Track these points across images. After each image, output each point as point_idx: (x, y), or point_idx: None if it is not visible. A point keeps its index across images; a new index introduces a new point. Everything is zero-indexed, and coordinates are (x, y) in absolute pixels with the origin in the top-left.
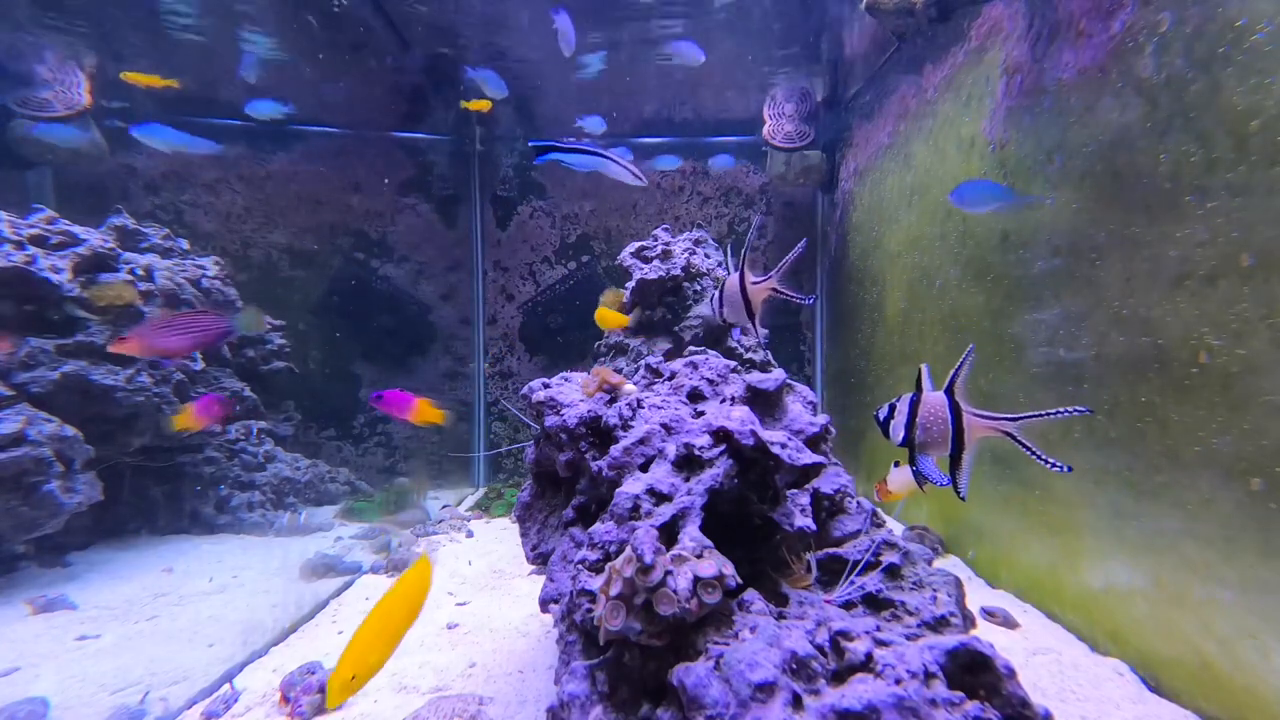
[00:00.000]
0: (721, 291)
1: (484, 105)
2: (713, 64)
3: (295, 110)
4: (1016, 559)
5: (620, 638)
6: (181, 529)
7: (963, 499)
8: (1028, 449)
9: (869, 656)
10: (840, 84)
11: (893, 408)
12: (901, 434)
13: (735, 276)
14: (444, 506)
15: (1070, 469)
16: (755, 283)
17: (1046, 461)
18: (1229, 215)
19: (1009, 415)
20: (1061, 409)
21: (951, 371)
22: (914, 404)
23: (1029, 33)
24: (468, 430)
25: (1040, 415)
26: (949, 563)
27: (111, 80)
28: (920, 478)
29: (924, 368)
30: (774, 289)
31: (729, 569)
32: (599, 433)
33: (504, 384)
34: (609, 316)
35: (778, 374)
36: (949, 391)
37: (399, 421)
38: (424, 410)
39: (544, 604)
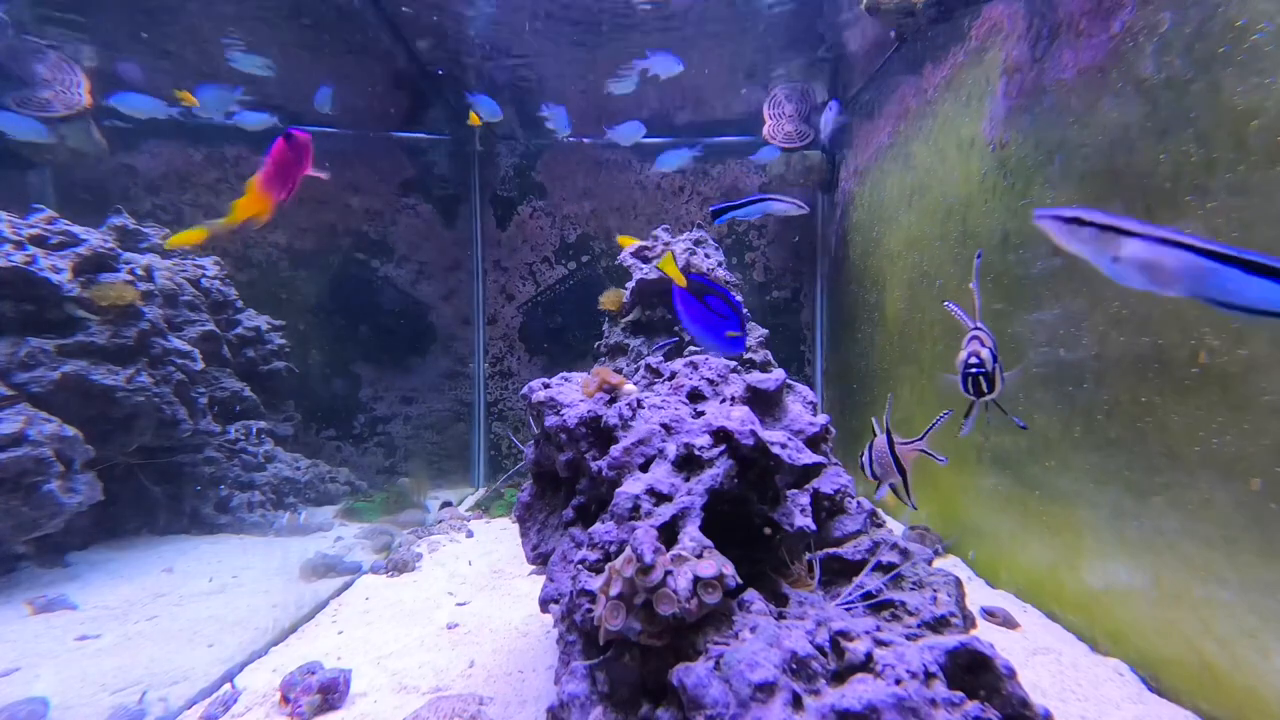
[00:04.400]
0: (871, 450)
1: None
2: (713, 64)
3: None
4: (1016, 559)
5: (620, 638)
6: (181, 529)
7: (913, 510)
8: (931, 455)
9: (869, 656)
10: (840, 84)
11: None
12: (869, 471)
13: (884, 438)
14: (444, 506)
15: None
16: (903, 444)
17: (937, 459)
18: (1229, 215)
19: (916, 438)
20: (938, 417)
21: (885, 419)
22: (872, 448)
23: (1029, 33)
24: (467, 430)
25: (927, 431)
26: (949, 563)
27: (111, 80)
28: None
29: (874, 420)
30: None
31: (729, 569)
32: (599, 433)
33: (504, 384)
34: (611, 298)
35: (778, 374)
36: (887, 433)
37: (402, 423)
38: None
39: (544, 604)
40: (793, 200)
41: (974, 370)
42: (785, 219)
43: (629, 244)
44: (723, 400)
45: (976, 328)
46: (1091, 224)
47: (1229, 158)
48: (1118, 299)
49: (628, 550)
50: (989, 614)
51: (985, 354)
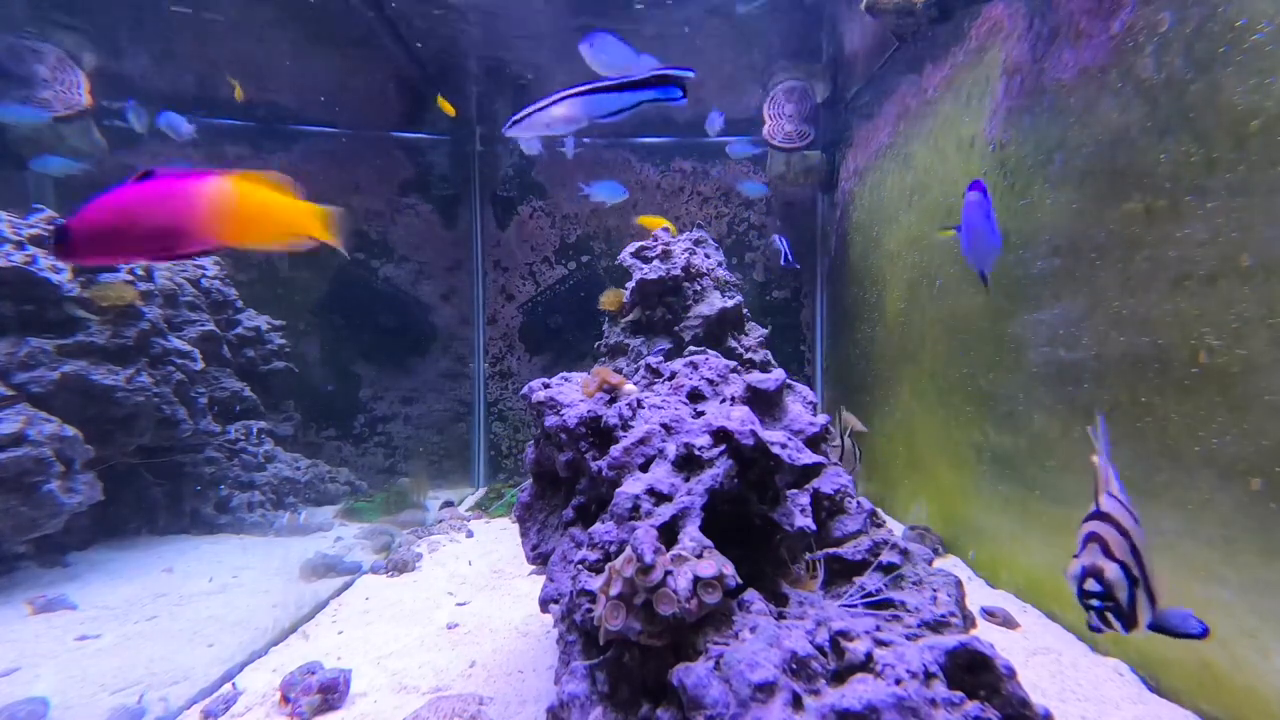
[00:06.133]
0: None
1: (449, 109)
2: (713, 63)
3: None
4: (1016, 559)
5: (620, 638)
6: (181, 529)
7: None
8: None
9: (869, 656)
10: (840, 84)
11: None
12: None
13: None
14: (444, 506)
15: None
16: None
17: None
18: (1229, 215)
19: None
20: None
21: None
22: None
23: (1029, 33)
24: (467, 430)
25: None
26: (949, 563)
27: (112, 80)
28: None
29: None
30: None
31: (729, 569)
32: (599, 433)
33: (504, 384)
34: (611, 298)
35: (778, 374)
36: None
37: (402, 423)
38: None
39: (544, 604)
40: (782, 236)
41: (1095, 604)
42: (785, 219)
43: (652, 225)
44: (723, 400)
45: (1097, 514)
46: (526, 114)
47: (1229, 158)
48: (1118, 299)
49: (628, 550)
50: (989, 614)
51: (1112, 574)
